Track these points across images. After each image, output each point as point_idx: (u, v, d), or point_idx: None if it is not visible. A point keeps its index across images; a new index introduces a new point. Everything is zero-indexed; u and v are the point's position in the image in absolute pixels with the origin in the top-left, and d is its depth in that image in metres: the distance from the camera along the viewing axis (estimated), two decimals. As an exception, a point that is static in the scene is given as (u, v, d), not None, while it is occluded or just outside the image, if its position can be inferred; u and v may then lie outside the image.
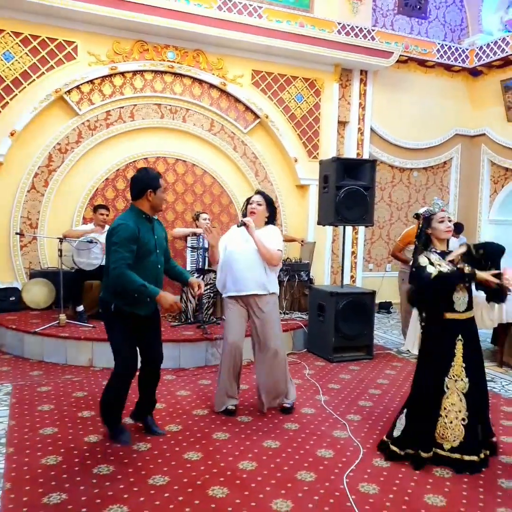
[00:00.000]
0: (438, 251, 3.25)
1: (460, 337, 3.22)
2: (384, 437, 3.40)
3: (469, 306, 3.26)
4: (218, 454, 3.27)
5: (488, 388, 4.70)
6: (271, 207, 4.07)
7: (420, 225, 3.35)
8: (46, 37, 6.43)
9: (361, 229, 8.49)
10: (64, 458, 3.15)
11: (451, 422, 3.16)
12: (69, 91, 6.61)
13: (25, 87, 6.40)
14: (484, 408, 3.30)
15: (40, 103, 6.42)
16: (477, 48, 8.72)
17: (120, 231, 3.18)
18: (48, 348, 5.19)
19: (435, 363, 3.21)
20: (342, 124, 8.38)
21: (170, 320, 6.05)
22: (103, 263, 5.73)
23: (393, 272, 8.02)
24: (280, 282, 5.64)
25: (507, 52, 8.12)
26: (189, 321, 5.92)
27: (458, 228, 6.77)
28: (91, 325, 5.54)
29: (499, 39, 8.30)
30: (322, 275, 8.11)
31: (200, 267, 6.05)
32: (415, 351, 5.33)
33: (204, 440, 3.48)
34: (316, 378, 4.94)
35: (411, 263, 3.47)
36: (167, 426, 3.69)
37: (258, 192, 4.13)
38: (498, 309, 5.33)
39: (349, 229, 8.04)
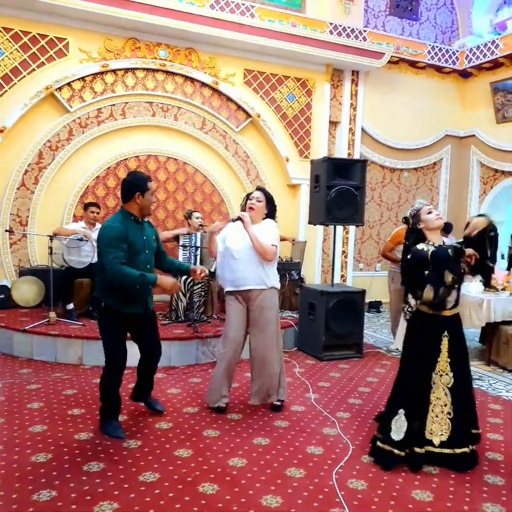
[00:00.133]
0: (435, 245, 3.23)
1: (446, 333, 3.26)
2: (381, 443, 3.20)
3: (456, 303, 3.30)
4: (208, 451, 3.28)
5: (476, 386, 4.79)
6: (271, 204, 4.05)
7: (410, 225, 3.38)
8: (37, 34, 6.40)
9: (352, 228, 8.53)
10: (54, 456, 3.14)
11: (436, 416, 3.21)
12: (60, 88, 6.58)
13: (15, 83, 6.36)
14: (470, 402, 3.34)
15: (31, 100, 6.39)
16: (467, 50, 8.80)
17: (108, 232, 3.28)
18: (38, 346, 5.16)
19: (422, 359, 3.24)
20: (333, 124, 8.42)
21: (161, 318, 6.04)
22: (94, 261, 5.79)
23: (383, 272, 8.07)
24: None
25: (496, 54, 8.20)
26: (180, 319, 5.92)
27: (447, 228, 6.83)
28: (81, 323, 5.52)
29: (489, 42, 8.38)
30: (313, 274, 8.14)
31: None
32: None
33: (194, 438, 3.49)
34: (306, 376, 4.96)
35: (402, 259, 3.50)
36: (158, 424, 3.70)
37: (259, 189, 4.10)
38: (486, 308, 5.40)
39: (339, 228, 8.08)
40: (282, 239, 7.36)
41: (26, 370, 4.81)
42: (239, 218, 3.89)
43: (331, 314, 5.56)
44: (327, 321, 5.55)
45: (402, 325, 5.87)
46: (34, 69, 6.43)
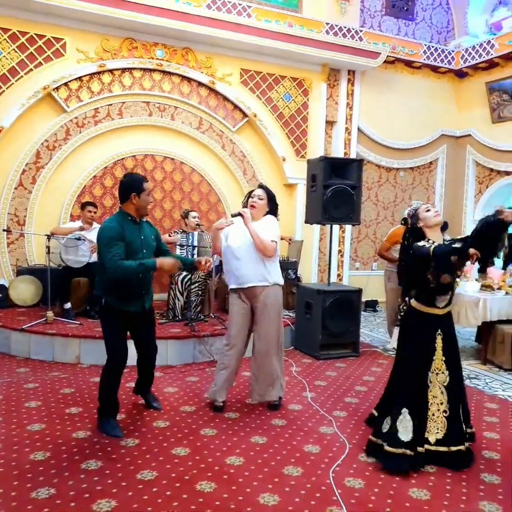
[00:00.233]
0: (436, 244, 3.21)
1: (439, 331, 3.28)
2: (391, 448, 3.10)
3: (449, 302, 3.32)
4: (205, 450, 3.30)
5: (472, 385, 4.83)
6: (272, 202, 4.04)
7: (409, 225, 3.39)
8: (35, 34, 6.40)
9: (348, 228, 8.55)
10: (52, 454, 3.16)
11: (433, 414, 3.23)
12: (57, 88, 6.58)
13: (12, 83, 6.36)
14: (464, 400, 3.36)
15: (28, 100, 6.39)
16: (463, 50, 8.83)
17: (106, 232, 3.38)
18: (35, 345, 5.17)
19: (420, 358, 3.26)
20: (329, 123, 8.44)
21: (158, 317, 6.05)
22: (91, 260, 5.81)
23: (379, 271, 8.10)
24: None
25: (492, 54, 8.24)
26: (177, 318, 5.93)
27: (443, 226, 6.84)
28: (78, 322, 5.53)
29: (484, 42, 8.42)
30: (309, 274, 8.17)
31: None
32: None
33: (191, 436, 3.51)
34: (303, 375, 4.99)
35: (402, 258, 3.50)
36: (155, 422, 3.72)
37: (261, 186, 4.11)
38: (482, 307, 5.42)
39: (336, 228, 8.09)
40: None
41: (24, 369, 4.83)
42: (239, 214, 3.91)
43: (328, 313, 5.59)
44: (324, 320, 5.58)
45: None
46: (31, 69, 6.43)
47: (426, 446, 3.19)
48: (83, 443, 3.34)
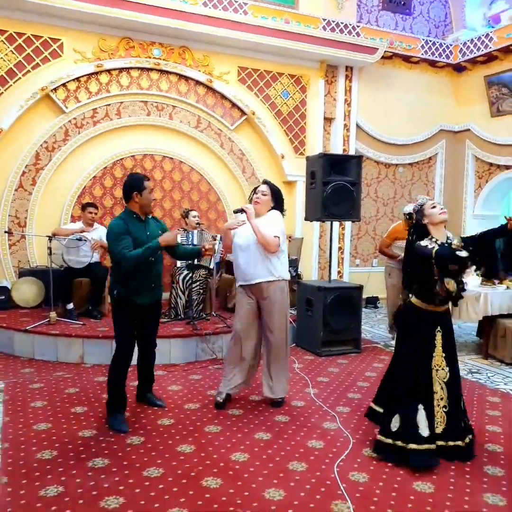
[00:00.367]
0: (438, 242, 3.21)
1: (439, 328, 3.29)
2: (416, 445, 3.08)
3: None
4: (210, 447, 3.33)
5: (474, 379, 4.86)
6: (276, 197, 4.05)
7: (414, 221, 3.36)
8: (31, 35, 6.41)
9: (348, 224, 8.57)
10: (59, 453, 3.19)
11: (433, 409, 3.23)
12: (55, 89, 6.59)
13: (11, 85, 6.37)
14: (461, 395, 3.37)
15: (26, 102, 6.40)
16: (461, 44, 8.81)
17: (113, 228, 3.57)
18: (39, 346, 5.20)
19: (420, 355, 3.26)
20: (328, 120, 8.44)
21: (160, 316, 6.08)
22: (92, 261, 5.83)
23: (379, 267, 8.11)
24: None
25: (490, 47, 8.21)
26: (179, 317, 5.96)
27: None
28: (81, 323, 5.56)
29: (483, 35, 8.39)
30: (309, 271, 8.18)
31: (189, 263, 6.07)
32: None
33: (196, 433, 3.54)
34: (306, 372, 5.01)
35: (402, 255, 3.50)
36: (160, 420, 3.75)
37: (265, 182, 4.12)
38: (483, 302, 5.44)
39: (336, 224, 8.09)
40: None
41: (28, 370, 4.86)
42: (242, 210, 3.93)
43: (329, 310, 5.61)
44: (325, 317, 5.60)
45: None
46: (29, 71, 6.44)
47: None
48: (89, 441, 3.37)
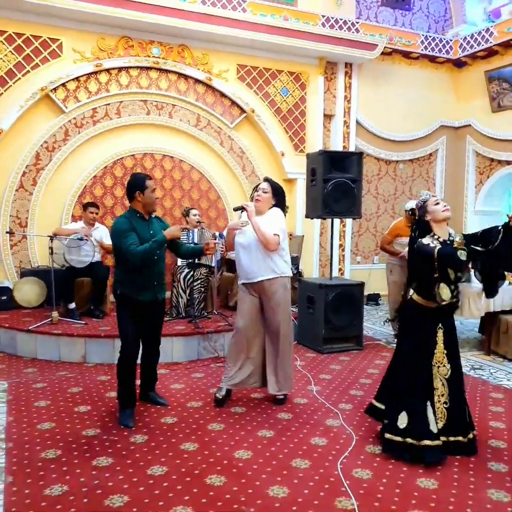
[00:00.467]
0: (440, 240, 3.20)
1: (440, 325, 3.29)
2: (429, 442, 3.10)
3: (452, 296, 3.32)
4: (214, 445, 3.34)
5: (477, 375, 4.86)
6: (278, 195, 4.04)
7: (417, 217, 3.35)
8: (31, 35, 6.41)
9: (349, 222, 8.56)
10: (63, 452, 3.20)
11: (434, 405, 3.23)
12: (55, 89, 6.59)
13: (10, 85, 6.37)
14: (463, 391, 3.37)
15: (26, 102, 6.41)
16: (461, 39, 8.78)
17: (118, 226, 3.64)
18: (41, 346, 5.21)
19: (422, 352, 3.26)
20: (327, 117, 8.43)
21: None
22: (94, 260, 5.83)
23: (380, 264, 8.11)
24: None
25: (491, 42, 8.18)
26: (181, 315, 5.96)
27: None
28: (83, 322, 5.57)
29: (483, 30, 8.35)
30: (310, 268, 8.19)
31: (190, 261, 6.08)
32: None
33: (199, 431, 3.54)
34: (308, 369, 5.02)
35: (407, 248, 3.48)
36: (163, 418, 3.76)
37: (266, 180, 4.12)
38: (485, 298, 5.42)
39: (336, 222, 8.09)
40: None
41: (31, 370, 4.87)
42: (242, 207, 3.93)
43: (330, 307, 5.61)
44: (327, 314, 5.60)
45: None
46: (28, 71, 6.44)
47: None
48: (93, 440, 3.38)
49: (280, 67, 7.87)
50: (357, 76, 8.45)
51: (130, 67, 7.02)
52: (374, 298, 8.68)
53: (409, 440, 3.14)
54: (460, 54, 8.82)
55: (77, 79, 6.72)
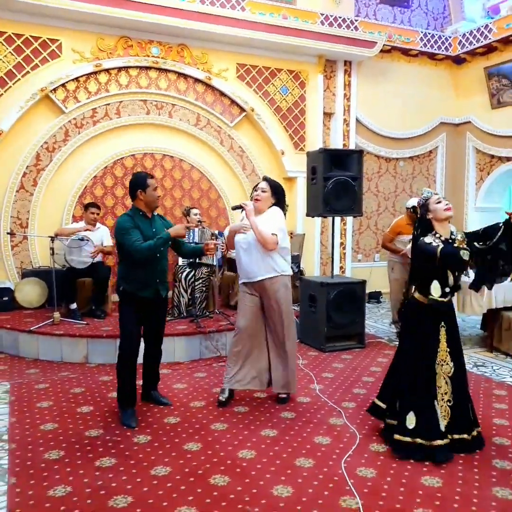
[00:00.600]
0: (442, 239, 3.19)
1: (443, 323, 3.28)
2: (441, 441, 3.13)
3: (453, 294, 3.32)
4: (217, 444, 3.33)
5: (479, 372, 4.85)
6: (277, 194, 4.02)
7: (419, 215, 3.33)
8: (30, 36, 6.39)
9: (349, 220, 8.55)
10: (66, 453, 3.20)
11: (437, 403, 3.23)
12: (54, 90, 6.58)
13: (10, 86, 6.36)
14: (467, 389, 3.37)
15: (26, 103, 6.39)
16: (460, 35, 8.75)
17: (122, 223, 3.67)
18: (43, 346, 5.21)
19: (422, 350, 3.25)
20: (327, 115, 8.41)
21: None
22: (95, 260, 5.83)
23: (382, 262, 8.11)
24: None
25: (490, 38, 8.15)
26: (182, 315, 5.96)
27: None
28: (85, 322, 5.57)
29: (482, 26, 8.32)
30: (312, 267, 8.17)
31: (191, 261, 6.07)
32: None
33: (202, 431, 3.54)
34: (310, 368, 5.01)
35: (410, 244, 3.47)
36: (166, 418, 3.75)
37: (264, 179, 4.11)
38: (487, 295, 5.41)
39: (337, 220, 8.09)
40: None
41: (33, 370, 4.87)
42: (240, 206, 3.93)
43: (332, 305, 5.60)
44: (328, 313, 5.59)
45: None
46: (28, 72, 6.42)
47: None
48: (96, 441, 3.37)
49: (280, 65, 7.86)
50: (356, 74, 8.43)
51: (130, 67, 7.00)
52: (376, 296, 8.67)
53: (418, 440, 3.14)
54: (459, 51, 8.79)
55: (76, 79, 6.71)
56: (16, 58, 6.36)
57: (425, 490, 2.79)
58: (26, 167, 6.56)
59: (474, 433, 3.26)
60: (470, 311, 5.60)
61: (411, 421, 3.18)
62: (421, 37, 8.71)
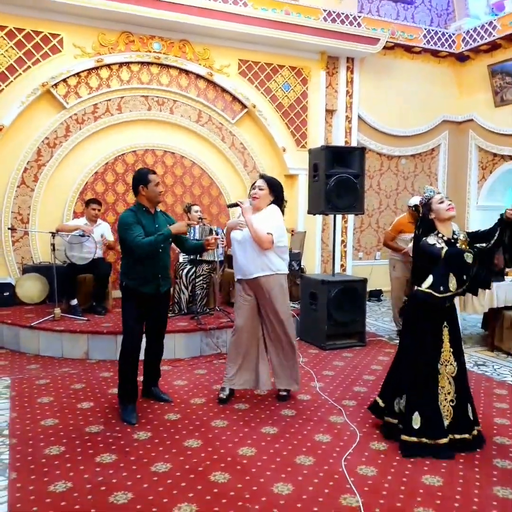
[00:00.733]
0: (445, 239, 3.18)
1: (445, 324, 3.27)
2: (444, 439, 3.15)
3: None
4: (217, 441, 3.33)
5: (480, 372, 4.84)
6: (275, 190, 3.99)
7: (421, 214, 3.30)
8: (31, 30, 6.37)
9: (351, 217, 8.53)
10: (66, 448, 3.20)
11: (440, 403, 3.23)
12: (56, 85, 6.56)
13: (11, 81, 6.34)
14: (468, 388, 3.37)
15: (27, 98, 6.38)
16: (464, 32, 8.71)
17: (124, 219, 3.70)
18: (44, 342, 5.21)
19: (424, 348, 3.24)
20: (329, 112, 8.39)
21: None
22: (96, 257, 5.82)
23: (382, 260, 8.10)
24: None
25: (494, 36, 8.12)
26: (183, 312, 5.96)
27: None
28: (86, 318, 5.57)
29: (486, 23, 8.29)
30: (312, 265, 8.17)
31: (192, 258, 6.06)
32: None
33: (203, 428, 3.54)
34: (310, 365, 5.01)
35: (412, 243, 3.46)
36: (166, 415, 3.75)
37: (261, 176, 4.09)
38: (488, 294, 5.40)
39: (338, 217, 8.07)
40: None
41: (34, 366, 4.87)
42: (237, 205, 3.93)
43: (333, 303, 5.59)
44: (329, 311, 5.58)
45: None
46: (29, 66, 6.41)
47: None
48: (97, 437, 3.37)
49: (282, 62, 7.83)
50: (359, 70, 8.40)
51: (131, 63, 6.98)
52: (376, 294, 8.67)
53: (424, 440, 3.15)
54: (463, 48, 8.76)
55: (78, 74, 6.69)
56: (17, 53, 6.34)
57: (426, 489, 2.78)
58: (27, 162, 6.55)
59: (475, 432, 3.26)
60: (471, 310, 5.58)
61: (416, 421, 3.18)
62: (425, 34, 8.68)
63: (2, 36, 6.25)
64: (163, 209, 7.20)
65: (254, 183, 4.05)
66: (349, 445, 3.29)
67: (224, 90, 7.52)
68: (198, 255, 5.85)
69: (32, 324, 5.25)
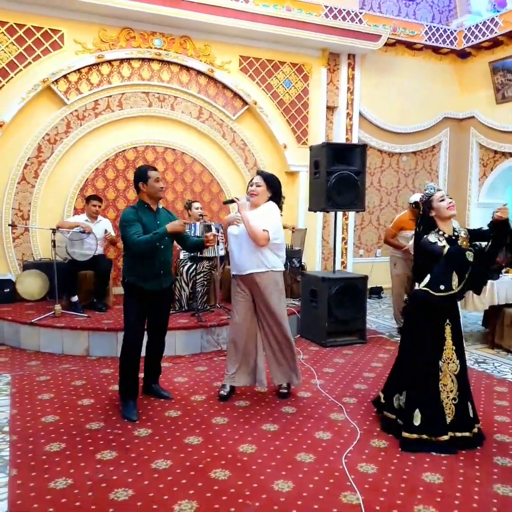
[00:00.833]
0: (445, 236, 3.17)
1: (448, 321, 3.27)
2: (446, 436, 3.18)
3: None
4: (218, 438, 3.33)
5: (480, 369, 4.85)
6: (273, 186, 3.97)
7: (421, 211, 3.30)
8: (32, 26, 6.35)
9: (351, 215, 8.52)
10: (67, 445, 3.20)
11: (442, 401, 3.23)
12: (56, 81, 6.54)
13: (12, 77, 6.32)
14: (469, 386, 3.37)
15: (28, 94, 6.36)
16: (466, 29, 8.68)
17: (125, 216, 3.73)
18: (45, 339, 5.21)
19: (427, 347, 3.24)
20: (330, 109, 8.37)
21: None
22: (96, 253, 5.82)
23: (383, 258, 8.09)
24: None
25: (496, 32, 8.08)
26: (184, 309, 5.96)
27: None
28: (86, 315, 5.57)
29: (488, 20, 8.26)
30: (313, 262, 8.16)
31: (193, 255, 6.06)
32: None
33: (203, 425, 3.54)
34: (311, 363, 5.01)
35: (412, 240, 3.45)
36: (167, 412, 3.75)
37: (258, 173, 4.07)
38: (489, 291, 5.40)
39: (339, 215, 8.06)
40: (283, 227, 7.35)
41: (35, 362, 4.87)
42: (233, 201, 3.93)
43: (334, 300, 5.59)
44: (330, 308, 5.58)
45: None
46: (30, 62, 6.39)
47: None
48: (97, 434, 3.37)
49: (283, 58, 7.81)
50: (360, 67, 8.37)
51: (132, 59, 6.96)
52: (377, 292, 8.67)
53: (424, 436, 3.16)
54: (464, 44, 8.73)
55: (78, 70, 6.67)
56: (18, 49, 6.32)
57: (426, 487, 2.78)
58: (27, 158, 6.54)
59: (475, 429, 3.26)
60: (472, 307, 5.58)
61: (417, 418, 3.19)
62: (426, 31, 8.65)
63: (2, 32, 6.23)
64: (163, 206, 7.30)
65: (252, 179, 4.05)
66: (350, 442, 3.29)
67: (225, 86, 7.50)
68: (199, 252, 5.84)
69: (32, 320, 5.25)
